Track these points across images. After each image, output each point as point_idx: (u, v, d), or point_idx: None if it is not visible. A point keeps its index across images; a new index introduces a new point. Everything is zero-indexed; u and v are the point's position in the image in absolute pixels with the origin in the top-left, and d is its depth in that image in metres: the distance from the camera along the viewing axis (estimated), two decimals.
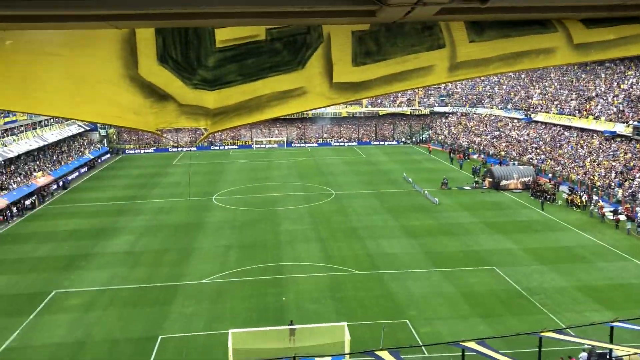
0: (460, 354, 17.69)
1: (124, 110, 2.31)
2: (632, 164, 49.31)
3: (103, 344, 24.69)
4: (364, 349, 20.66)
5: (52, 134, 66.43)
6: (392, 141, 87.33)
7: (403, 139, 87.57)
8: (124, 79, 2.31)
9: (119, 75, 2.30)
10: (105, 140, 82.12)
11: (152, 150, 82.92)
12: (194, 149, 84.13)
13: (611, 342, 18.86)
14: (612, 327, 18.97)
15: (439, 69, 2.51)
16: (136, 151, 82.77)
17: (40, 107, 2.21)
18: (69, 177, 61.15)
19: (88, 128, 77.88)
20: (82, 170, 66.59)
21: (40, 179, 55.27)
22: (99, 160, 73.83)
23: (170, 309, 27.86)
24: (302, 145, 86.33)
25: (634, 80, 59.60)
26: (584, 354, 22.39)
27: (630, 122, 53.37)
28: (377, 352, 16.36)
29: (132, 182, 60.10)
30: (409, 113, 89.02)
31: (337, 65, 2.52)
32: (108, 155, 78.45)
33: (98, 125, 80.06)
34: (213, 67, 2.43)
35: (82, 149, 71.93)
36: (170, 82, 2.39)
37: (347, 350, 21.92)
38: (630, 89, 58.73)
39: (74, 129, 73.22)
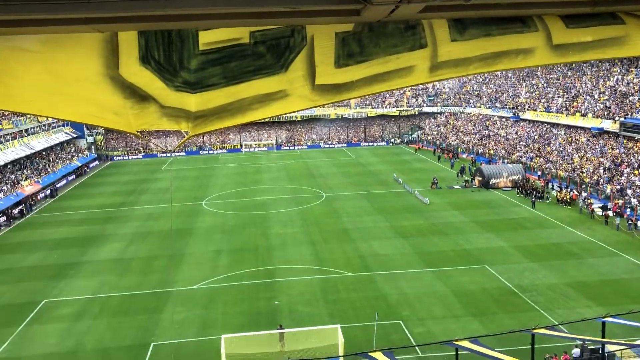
0: (454, 353, 17.71)
1: (103, 110, 2.27)
2: (619, 159, 49.72)
3: (95, 352, 24.47)
4: (358, 350, 20.64)
5: (39, 142, 65.85)
6: (382, 142, 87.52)
7: (392, 140, 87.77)
8: (104, 78, 2.26)
9: (99, 75, 2.25)
10: (93, 147, 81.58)
11: (141, 156, 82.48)
12: (183, 153, 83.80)
13: (603, 337, 18.97)
14: (603, 323, 19.09)
15: (420, 69, 2.49)
16: (124, 157, 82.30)
17: (17, 104, 2.16)
18: (57, 185, 60.66)
19: (75, 135, 77.35)
20: (70, 178, 66.07)
21: (28, 188, 54.76)
22: (87, 168, 73.29)
23: (161, 316, 27.67)
24: (291, 147, 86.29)
25: (619, 76, 60.15)
26: (576, 350, 22.51)
27: (617, 118, 53.84)
28: (371, 354, 16.33)
29: (120, 188, 59.74)
30: (397, 114, 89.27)
31: (320, 67, 2.49)
32: (96, 162, 77.93)
33: (85, 132, 79.58)
34: (195, 69, 2.39)
35: (70, 157, 71.39)
36: (151, 83, 2.35)
37: (340, 352, 21.88)
38: (616, 86, 59.26)
39: (60, 137, 72.68)
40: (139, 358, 23.74)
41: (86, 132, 79.90)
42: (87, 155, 76.61)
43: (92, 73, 2.26)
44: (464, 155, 70.32)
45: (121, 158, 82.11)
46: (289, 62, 2.45)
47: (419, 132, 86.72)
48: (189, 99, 2.40)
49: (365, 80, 2.48)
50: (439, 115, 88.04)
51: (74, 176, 67.27)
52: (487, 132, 74.35)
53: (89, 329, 26.64)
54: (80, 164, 71.16)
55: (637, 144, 49.83)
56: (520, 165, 56.21)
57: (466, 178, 56.23)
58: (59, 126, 73.48)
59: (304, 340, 23.51)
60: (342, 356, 21.51)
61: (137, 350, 24.46)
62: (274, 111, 2.45)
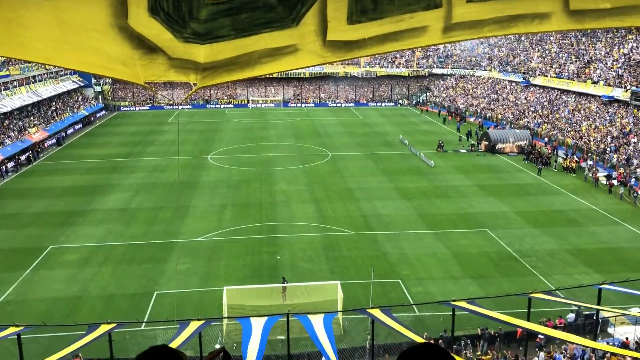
0: (451, 313, 18.04)
1: (111, 61, 2.26)
2: (628, 129, 49.29)
3: (99, 299, 25.05)
4: (357, 307, 21.05)
5: (46, 90, 65.65)
6: (390, 103, 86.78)
7: (400, 101, 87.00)
8: (112, 28, 2.24)
9: (107, 24, 2.23)
10: (100, 96, 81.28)
11: (148, 108, 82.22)
12: (189, 107, 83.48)
13: (598, 303, 19.23)
14: (600, 290, 19.31)
15: (433, 29, 2.46)
16: (131, 108, 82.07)
17: (25, 53, 2.15)
18: (64, 134, 60.79)
19: (82, 84, 76.95)
20: (77, 127, 66.15)
21: (35, 135, 54.95)
22: (94, 117, 73.22)
23: (165, 266, 28.18)
24: (298, 105, 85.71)
25: (635, 44, 58.98)
26: (571, 315, 22.91)
27: (629, 87, 53.09)
28: (369, 310, 16.65)
29: (127, 139, 59.83)
30: (407, 74, 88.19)
31: (332, 23, 2.46)
32: (103, 112, 77.80)
33: (93, 81, 79.12)
34: (205, 20, 2.37)
35: (77, 106, 71.26)
36: (160, 34, 2.33)
37: (339, 307, 22.33)
38: (630, 54, 58.18)
39: (68, 85, 72.37)
40: (142, 306, 24.30)
41: (93, 81, 79.41)
42: (94, 105, 76.44)
43: (100, 23, 2.24)
44: (472, 119, 69.78)
45: (128, 109, 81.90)
46: (300, 15, 2.41)
47: (428, 94, 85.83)
48: (197, 50, 2.38)
49: (378, 39, 2.45)
50: (448, 77, 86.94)
51: (80, 125, 67.32)
52: (496, 96, 73.55)
53: (94, 276, 27.18)
54: (87, 113, 71.12)
55: None
56: (528, 131, 55.84)
57: (472, 142, 55.95)
58: (67, 74, 73.07)
59: (305, 295, 23.97)
60: (341, 311, 21.96)
61: (140, 298, 25.02)
62: (284, 66, 2.44)
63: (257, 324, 15.25)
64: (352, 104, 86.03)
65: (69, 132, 62.82)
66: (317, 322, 15.30)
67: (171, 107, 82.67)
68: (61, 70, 71.54)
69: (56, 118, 63.21)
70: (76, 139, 61.05)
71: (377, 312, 15.65)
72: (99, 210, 36.54)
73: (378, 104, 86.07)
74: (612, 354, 17.91)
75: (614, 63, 59.10)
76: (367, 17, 2.43)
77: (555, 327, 20.89)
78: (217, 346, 21.34)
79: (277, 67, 2.48)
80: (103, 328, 15.21)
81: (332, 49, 2.44)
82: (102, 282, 26.63)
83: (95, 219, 34.94)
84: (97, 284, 26.44)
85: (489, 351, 21.13)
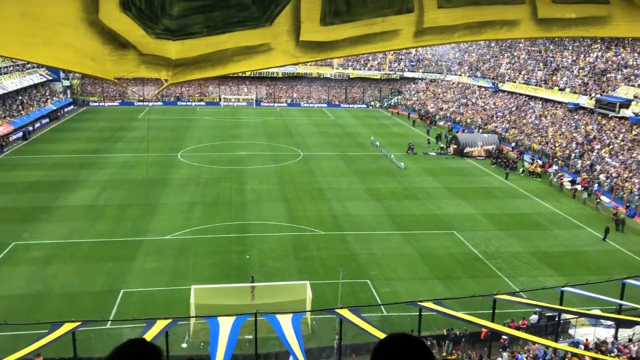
0: (418, 313, 18.26)
1: (80, 56, 2.23)
2: (592, 135, 50.59)
3: (63, 297, 24.56)
4: (325, 306, 21.12)
5: (12, 82, 63.99)
6: (362, 105, 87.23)
7: (372, 103, 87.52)
8: (82, 22, 2.22)
9: (77, 19, 2.21)
10: (69, 91, 79.56)
11: (117, 104, 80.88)
12: (160, 103, 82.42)
13: (561, 305, 19.72)
14: (562, 292, 19.81)
15: (405, 33, 2.51)
16: (101, 104, 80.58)
17: None
18: (30, 128, 59.35)
19: (50, 78, 75.25)
20: (44, 121, 64.63)
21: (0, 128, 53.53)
22: (62, 112, 71.65)
23: (132, 264, 27.78)
24: (271, 104, 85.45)
25: (599, 53, 60.59)
26: (534, 316, 23.41)
27: (593, 94, 54.50)
28: (337, 310, 16.74)
29: (95, 135, 58.76)
30: (379, 77, 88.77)
31: (305, 23, 2.49)
32: (71, 107, 76.17)
33: (61, 75, 77.38)
34: (177, 16, 2.36)
35: (44, 99, 69.65)
36: (132, 30, 2.31)
37: (308, 307, 22.36)
38: (595, 62, 59.75)
39: (35, 78, 70.67)
40: (107, 304, 23.92)
41: (62, 75, 77.65)
42: (62, 99, 74.82)
43: (70, 17, 2.21)
44: (442, 123, 70.66)
45: (97, 104, 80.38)
46: (274, 15, 2.43)
47: (399, 97, 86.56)
48: (169, 46, 2.37)
49: (350, 41, 2.49)
50: (419, 81, 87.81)
51: (48, 119, 65.79)
52: (465, 100, 74.61)
53: (58, 273, 26.64)
54: (55, 108, 69.55)
55: (610, 122, 50.67)
56: (496, 135, 56.81)
57: (441, 145, 56.66)
58: (34, 67, 71.33)
59: (274, 295, 23.92)
60: (309, 311, 22.00)
61: (106, 296, 24.62)
62: (256, 65, 2.46)
63: (225, 324, 15.19)
64: (325, 105, 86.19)
65: (35, 126, 61.34)
66: (285, 321, 15.31)
67: (141, 103, 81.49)
68: (28, 63, 69.77)
69: (22, 112, 61.68)
70: (43, 134, 59.68)
71: (345, 312, 15.75)
72: (65, 207, 35.81)
73: (350, 106, 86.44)
74: (573, 354, 18.37)
75: (580, 71, 60.61)
76: (340, 19, 2.47)
77: (518, 328, 21.33)
78: (184, 345, 21.15)
79: (249, 66, 2.50)
80: (67, 327, 14.94)
81: (304, 49, 2.47)
82: (67, 279, 26.10)
83: (61, 216, 34.23)
84: (61, 281, 25.91)
85: (454, 351, 21.45)
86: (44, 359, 19.48)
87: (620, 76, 54.78)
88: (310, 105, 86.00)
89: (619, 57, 57.52)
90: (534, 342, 20.44)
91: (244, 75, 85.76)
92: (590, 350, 19.84)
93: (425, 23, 2.52)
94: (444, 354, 21.42)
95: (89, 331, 21.39)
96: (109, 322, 22.17)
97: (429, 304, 17.19)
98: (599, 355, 17.94)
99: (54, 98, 72.93)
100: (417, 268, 28.33)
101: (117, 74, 2.39)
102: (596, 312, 21.32)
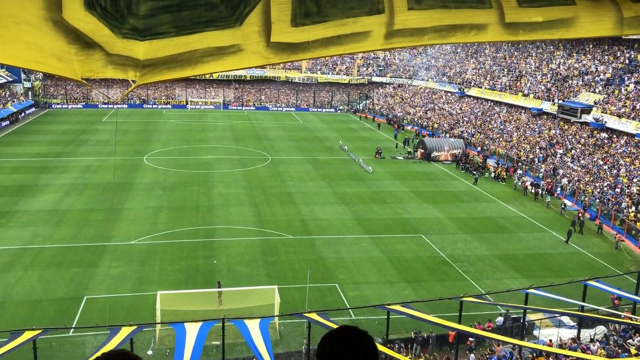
0: (386, 317, 18.34)
1: (45, 55, 2.15)
2: (555, 140, 51.84)
3: (24, 304, 23.86)
4: (294, 311, 21.03)
5: None
6: (330, 109, 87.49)
7: (340, 107, 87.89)
8: (45, 21, 2.13)
9: (39, 18, 2.12)
10: (30, 92, 77.51)
11: (81, 106, 79.20)
12: (125, 106, 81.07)
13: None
14: (526, 294, 20.18)
15: (376, 35, 2.50)
16: (64, 106, 78.78)
17: None
18: None
19: (11, 79, 73.22)
20: (4, 124, 62.82)
21: None
22: (23, 114, 69.76)
23: (96, 270, 27.19)
24: (239, 107, 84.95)
25: (562, 60, 62.21)
26: (500, 318, 23.79)
27: (556, 100, 55.88)
28: (306, 314, 16.68)
29: (58, 138, 57.40)
30: (347, 82, 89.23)
31: (276, 24, 2.45)
32: (33, 109, 74.23)
33: (22, 76, 75.38)
34: (144, 16, 2.30)
35: (4, 102, 67.72)
36: (97, 29, 2.24)
37: (276, 312, 22.24)
38: (558, 69, 61.31)
39: None
40: (70, 311, 23.33)
41: (23, 76, 75.63)
42: (23, 101, 72.85)
43: (32, 16, 2.13)
44: (409, 127, 71.40)
45: (60, 106, 78.55)
46: (243, 16, 2.39)
47: (367, 101, 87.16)
48: (137, 46, 2.31)
49: (321, 42, 2.47)
50: (387, 85, 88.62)
51: (7, 122, 63.97)
52: (432, 105, 75.60)
53: (19, 280, 25.88)
54: (15, 110, 67.66)
55: (572, 127, 52.03)
56: (462, 140, 57.69)
57: (409, 149, 57.24)
58: None
59: (241, 300, 23.74)
60: (277, 316, 21.88)
61: (69, 303, 24.02)
62: (227, 66, 2.41)
63: (192, 330, 14.96)
64: (293, 109, 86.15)
65: None
66: (253, 326, 15.18)
67: (106, 106, 80.00)
68: None
69: None
70: (2, 136, 57.99)
71: (314, 316, 15.70)
72: (26, 212, 34.83)
73: (319, 110, 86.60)
74: (537, 355, 18.71)
75: (543, 77, 62.11)
76: (311, 19, 2.45)
77: (484, 331, 21.62)
78: (150, 352, 20.77)
79: (219, 67, 2.45)
80: (27, 335, 14.49)
81: (275, 50, 2.44)
82: (28, 286, 25.37)
83: (22, 221, 33.28)
84: (21, 288, 25.16)
85: (421, 354, 21.61)
86: None
87: (581, 83, 56.34)
88: (279, 109, 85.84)
89: (580, 63, 59.17)
90: (498, 344, 20.77)
91: (211, 78, 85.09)
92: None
93: (395, 25, 2.52)
94: (411, 357, 21.56)
95: (50, 339, 20.83)
96: (72, 330, 21.62)
97: (397, 307, 17.28)
98: (577, 354, 18.14)
99: (14, 100, 70.97)
100: (385, 272, 28.49)
101: (84, 74, 2.31)
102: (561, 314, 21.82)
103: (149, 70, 2.39)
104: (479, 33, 2.63)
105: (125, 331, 14.93)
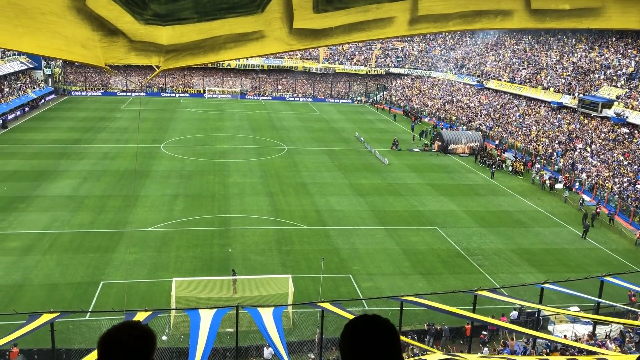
0: (399, 308, 18.32)
1: (70, 44, 2.17)
2: (574, 135, 51.17)
3: (42, 287, 24.24)
4: (307, 300, 21.12)
5: None
6: (347, 100, 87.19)
7: (358, 98, 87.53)
8: (70, 10, 2.16)
9: (64, 7, 2.15)
10: (50, 79, 78.30)
11: (100, 93, 79.87)
12: (144, 94, 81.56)
13: (540, 302, 19.92)
14: (542, 289, 20.00)
15: (399, 21, 2.48)
16: (83, 93, 79.51)
17: None
18: (9, 116, 58.36)
19: (31, 66, 73.93)
20: (24, 110, 63.58)
21: None
22: (42, 101, 70.54)
23: (113, 256, 27.51)
24: (256, 97, 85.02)
25: (583, 53, 61.22)
26: (514, 313, 23.66)
27: (576, 94, 55.09)
28: (319, 304, 16.72)
29: (77, 124, 57.99)
30: (365, 72, 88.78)
31: (298, 11, 2.44)
32: (52, 96, 75.03)
33: (42, 63, 76.13)
34: (166, 1, 2.30)
35: (24, 88, 68.48)
36: (120, 16, 2.25)
37: (290, 301, 22.34)
38: (579, 62, 60.36)
39: (15, 66, 69.35)
40: (87, 295, 23.67)
41: (43, 63, 76.37)
42: (43, 88, 73.61)
43: (57, 5, 2.15)
44: (426, 119, 70.94)
45: (79, 93, 79.30)
46: (265, 2, 2.39)
47: (384, 92, 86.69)
48: (159, 31, 2.32)
49: (345, 28, 2.45)
50: (405, 77, 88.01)
51: (27, 108, 64.74)
52: (450, 97, 74.96)
53: (38, 264, 26.29)
54: (35, 96, 68.43)
55: (592, 121, 51.29)
56: (480, 133, 57.18)
57: (425, 142, 56.90)
58: (14, 55, 70.04)
59: (255, 288, 23.88)
60: (291, 304, 21.98)
61: (86, 287, 24.36)
62: (250, 52, 2.41)
63: (206, 316, 15.08)
64: (310, 99, 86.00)
65: (16, 114, 60.31)
66: (266, 315, 15.26)
67: (124, 93, 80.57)
68: (8, 50, 68.53)
69: (1, 100, 60.57)
70: (22, 122, 58.74)
71: (328, 305, 15.74)
72: (45, 197, 35.31)
73: (335, 100, 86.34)
74: (550, 350, 18.60)
75: (564, 71, 61.20)
76: (333, 6, 2.43)
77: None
78: (164, 338, 21.02)
79: (242, 53, 2.45)
80: (45, 317, 14.72)
81: (298, 36, 2.43)
82: (46, 270, 25.77)
83: (41, 206, 33.76)
84: (40, 272, 25.57)
85: (434, 346, 21.58)
86: (21, 350, 19.25)
87: (603, 76, 55.43)
88: (295, 99, 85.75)
89: (603, 57, 58.18)
90: (512, 338, 20.68)
91: (229, 67, 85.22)
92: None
93: (420, 11, 2.50)
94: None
95: (67, 322, 21.16)
96: (88, 314, 21.93)
97: (411, 298, 17.25)
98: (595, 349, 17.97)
99: (35, 86, 71.74)
100: (400, 263, 28.45)
101: (107, 60, 2.33)
102: (574, 309, 21.63)
103: (173, 55, 2.40)
104: (504, 19, 2.59)
105: (140, 316, 15.10)
